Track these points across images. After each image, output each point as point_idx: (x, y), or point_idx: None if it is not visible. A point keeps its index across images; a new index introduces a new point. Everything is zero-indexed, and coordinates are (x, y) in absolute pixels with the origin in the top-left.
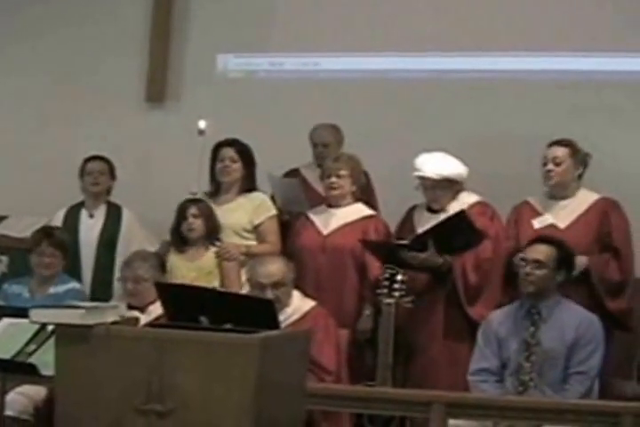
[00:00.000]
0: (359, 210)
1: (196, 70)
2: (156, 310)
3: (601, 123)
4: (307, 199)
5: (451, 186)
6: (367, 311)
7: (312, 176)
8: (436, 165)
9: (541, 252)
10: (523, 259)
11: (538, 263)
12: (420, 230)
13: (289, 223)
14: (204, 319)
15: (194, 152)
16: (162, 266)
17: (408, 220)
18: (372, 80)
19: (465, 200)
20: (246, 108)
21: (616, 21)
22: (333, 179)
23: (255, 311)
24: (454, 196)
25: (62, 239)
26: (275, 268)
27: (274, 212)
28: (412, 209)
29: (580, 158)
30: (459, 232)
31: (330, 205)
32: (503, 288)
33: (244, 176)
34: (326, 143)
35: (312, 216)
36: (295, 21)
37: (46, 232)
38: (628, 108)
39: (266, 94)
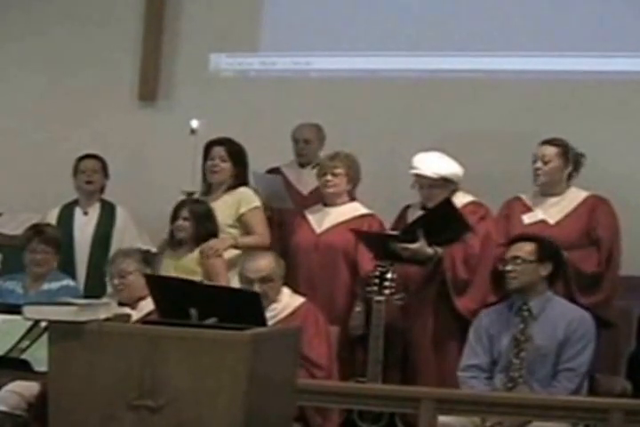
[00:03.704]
0: (354, 209)
1: (189, 69)
2: (147, 306)
3: (593, 122)
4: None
5: (447, 185)
6: (358, 308)
7: (293, 175)
8: (434, 164)
9: (519, 248)
10: (503, 259)
11: (516, 259)
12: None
13: (272, 220)
14: (193, 312)
15: (186, 151)
16: (146, 260)
17: (402, 219)
18: (363, 80)
19: (460, 200)
20: (238, 107)
21: (605, 22)
22: (329, 177)
23: (242, 305)
24: (450, 196)
25: (54, 236)
26: (263, 263)
27: (257, 203)
28: (406, 208)
29: (571, 158)
30: (446, 222)
31: (325, 204)
32: (493, 286)
33: (232, 176)
34: (308, 139)
35: (307, 215)
36: (287, 21)
37: (37, 229)
38: (621, 107)
39: (257, 94)
